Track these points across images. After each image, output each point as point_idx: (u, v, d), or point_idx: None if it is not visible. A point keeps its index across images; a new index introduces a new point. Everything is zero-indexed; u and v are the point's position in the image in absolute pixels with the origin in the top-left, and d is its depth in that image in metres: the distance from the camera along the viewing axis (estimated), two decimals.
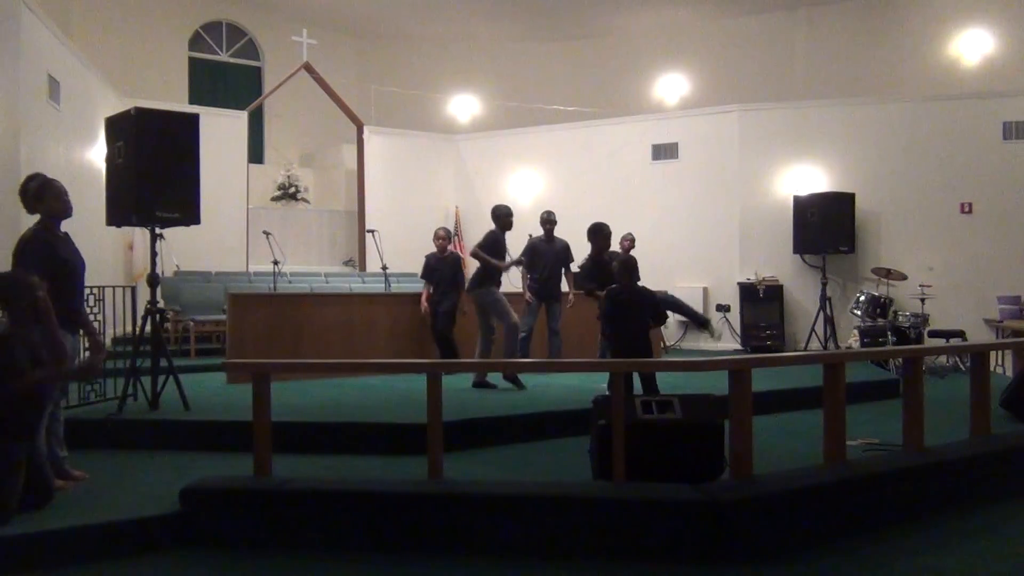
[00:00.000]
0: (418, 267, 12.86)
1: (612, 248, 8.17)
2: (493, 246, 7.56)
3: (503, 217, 7.63)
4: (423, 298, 7.91)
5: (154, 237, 6.05)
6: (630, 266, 5.88)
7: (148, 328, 5.99)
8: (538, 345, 7.89)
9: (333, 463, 4.95)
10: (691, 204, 12.09)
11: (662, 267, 11.57)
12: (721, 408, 4.49)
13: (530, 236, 8.09)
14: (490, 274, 7.50)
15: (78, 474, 4.54)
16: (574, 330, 8.16)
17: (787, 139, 11.71)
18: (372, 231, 10.09)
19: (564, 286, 7.92)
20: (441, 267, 7.85)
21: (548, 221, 7.91)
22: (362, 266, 13.18)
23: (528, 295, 7.78)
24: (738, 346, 11.48)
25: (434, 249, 7.94)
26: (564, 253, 7.91)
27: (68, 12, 12.91)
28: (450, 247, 8.16)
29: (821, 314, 11.04)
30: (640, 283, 5.93)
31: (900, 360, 7.62)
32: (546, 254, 7.83)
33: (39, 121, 7.62)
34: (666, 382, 7.23)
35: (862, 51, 13.72)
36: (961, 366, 9.43)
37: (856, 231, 11.03)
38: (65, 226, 8.35)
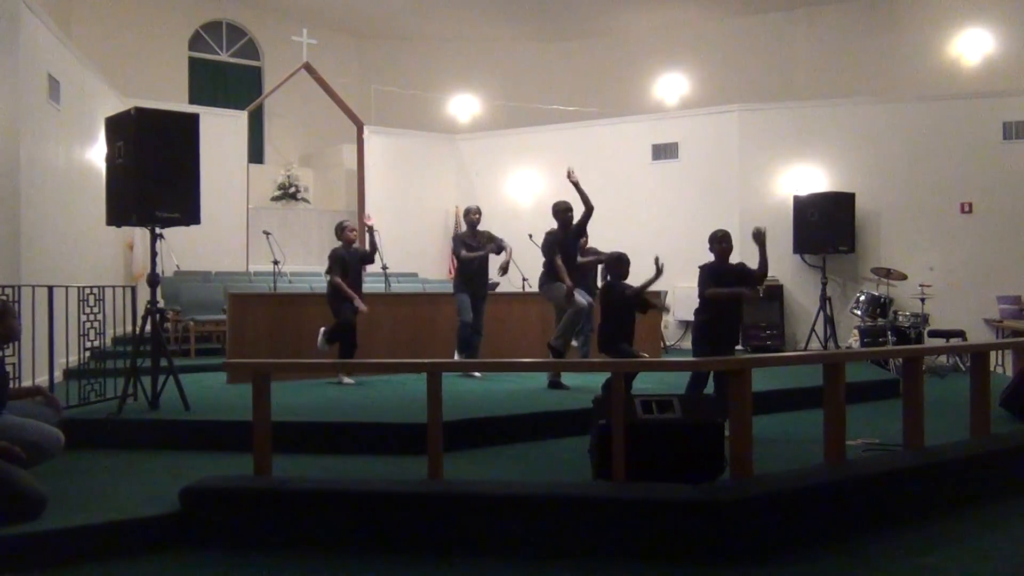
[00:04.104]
0: (418, 266, 13.06)
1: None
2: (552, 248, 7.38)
3: (560, 212, 7.40)
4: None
5: (154, 237, 6.04)
6: (618, 262, 6.12)
7: (148, 328, 5.99)
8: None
9: (333, 463, 4.95)
10: (691, 204, 12.09)
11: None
12: (721, 408, 4.49)
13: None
14: (548, 273, 7.34)
15: None
16: None
17: (787, 139, 11.71)
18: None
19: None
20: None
21: (475, 213, 7.97)
22: None
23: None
24: (738, 346, 11.48)
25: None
26: (490, 246, 7.96)
27: (68, 12, 12.92)
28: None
29: (821, 314, 11.04)
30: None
31: (900, 360, 7.62)
32: (474, 249, 7.87)
33: (39, 121, 7.61)
34: (666, 382, 7.28)
35: (862, 51, 13.71)
36: (961, 366, 9.43)
37: (856, 231, 11.03)
38: (65, 227, 8.37)
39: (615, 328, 6.05)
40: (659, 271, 6.24)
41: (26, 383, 5.66)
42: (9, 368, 5.00)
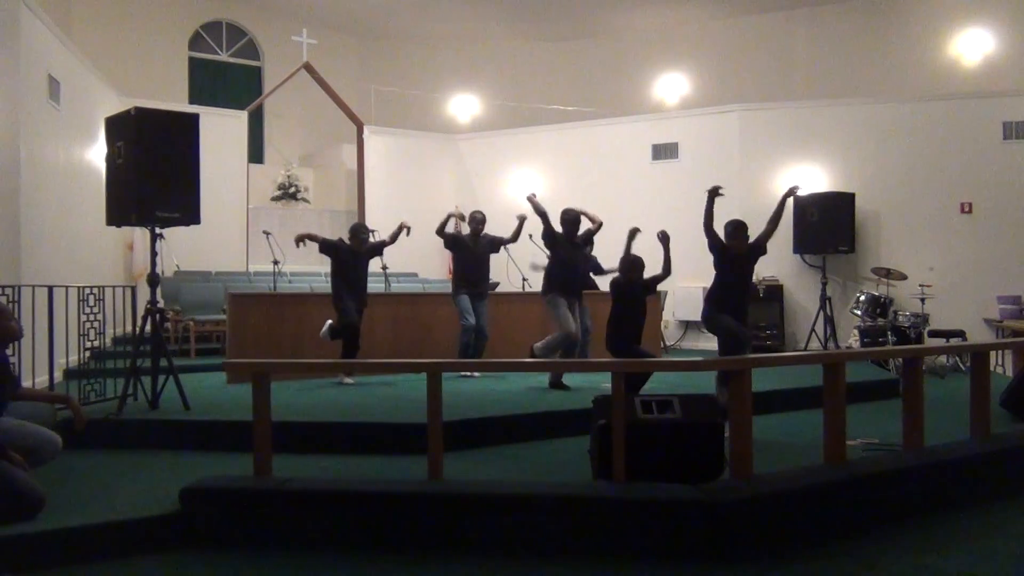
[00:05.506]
0: (418, 266, 13.05)
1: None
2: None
3: (567, 222, 7.52)
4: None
5: (154, 237, 6.05)
6: (631, 266, 6.26)
7: (148, 328, 5.99)
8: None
9: (333, 463, 4.95)
10: (691, 204, 12.00)
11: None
12: (721, 408, 4.49)
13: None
14: (552, 280, 7.42)
15: None
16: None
17: (787, 139, 11.71)
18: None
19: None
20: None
21: (480, 223, 8.04)
22: None
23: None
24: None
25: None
26: (490, 248, 8.05)
27: (68, 12, 12.93)
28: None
29: (821, 314, 11.04)
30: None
31: (900, 360, 7.62)
32: (474, 250, 7.97)
33: (39, 121, 7.61)
34: (666, 382, 7.27)
35: (862, 51, 13.72)
36: (961, 366, 9.43)
37: (856, 231, 11.03)
38: (65, 227, 8.36)
39: (627, 328, 6.12)
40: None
41: (26, 383, 5.66)
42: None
